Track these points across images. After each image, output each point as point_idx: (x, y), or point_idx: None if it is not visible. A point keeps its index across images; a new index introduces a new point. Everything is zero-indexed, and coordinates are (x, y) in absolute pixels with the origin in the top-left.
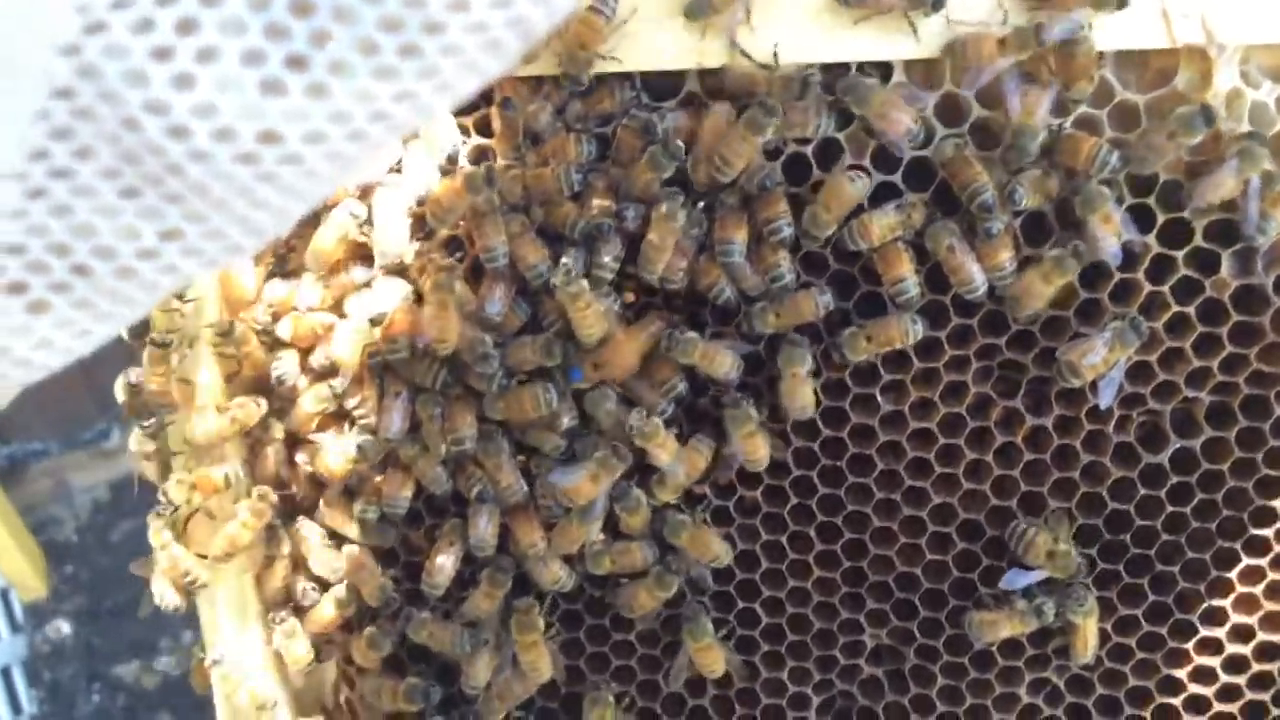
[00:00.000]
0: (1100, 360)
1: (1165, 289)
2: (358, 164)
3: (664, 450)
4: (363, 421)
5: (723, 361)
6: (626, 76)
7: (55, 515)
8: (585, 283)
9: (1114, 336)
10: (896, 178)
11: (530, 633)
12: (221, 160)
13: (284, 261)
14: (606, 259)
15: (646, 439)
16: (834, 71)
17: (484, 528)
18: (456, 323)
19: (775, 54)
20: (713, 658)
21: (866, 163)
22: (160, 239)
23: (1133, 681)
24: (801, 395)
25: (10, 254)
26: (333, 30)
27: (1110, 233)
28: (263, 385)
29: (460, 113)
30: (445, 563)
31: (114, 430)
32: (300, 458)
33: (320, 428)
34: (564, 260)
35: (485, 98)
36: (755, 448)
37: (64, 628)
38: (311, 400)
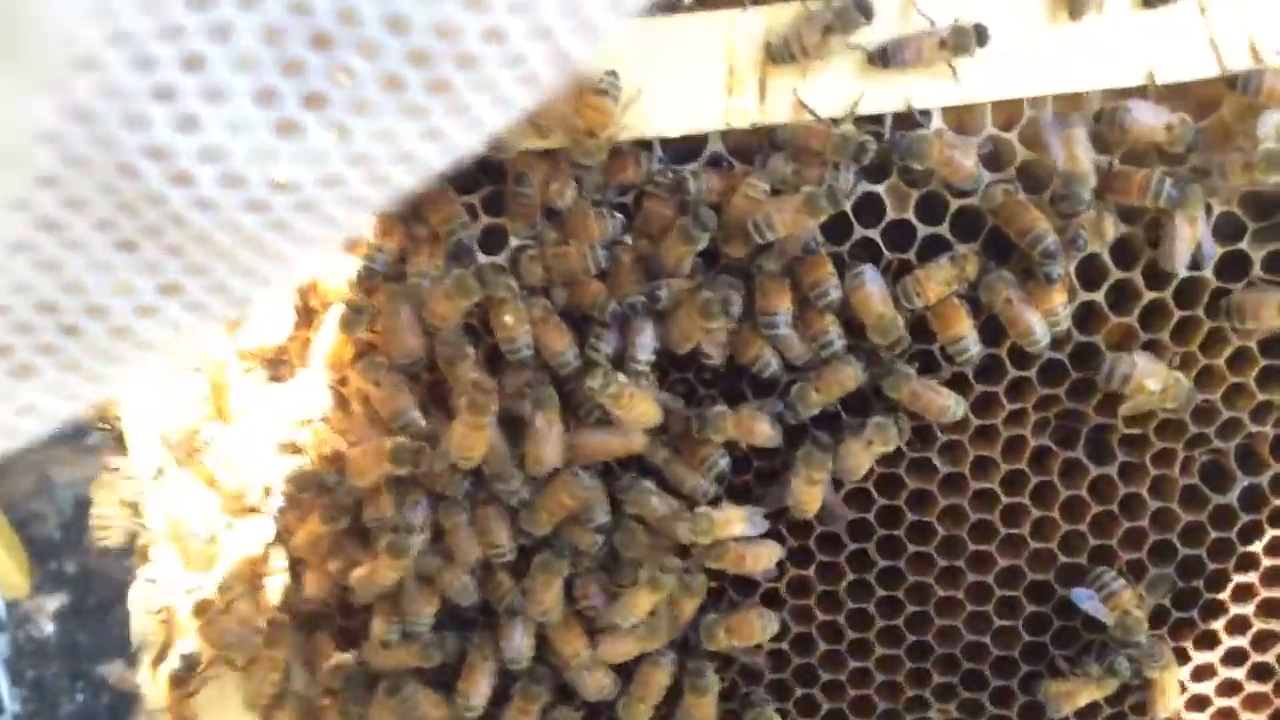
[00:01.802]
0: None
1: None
2: (372, 208)
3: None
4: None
5: (762, 429)
6: (646, 143)
7: (37, 511)
8: (622, 378)
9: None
10: (944, 229)
11: None
12: (229, 208)
13: (277, 365)
14: (642, 354)
15: (705, 533)
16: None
17: (519, 640)
18: (485, 442)
19: (855, 105)
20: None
21: (910, 216)
22: (159, 294)
23: None
24: (809, 500)
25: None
26: (355, 65)
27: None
28: None
29: (464, 191)
30: (482, 681)
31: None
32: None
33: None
34: (596, 363)
35: (490, 175)
36: (810, 498)
37: (47, 626)
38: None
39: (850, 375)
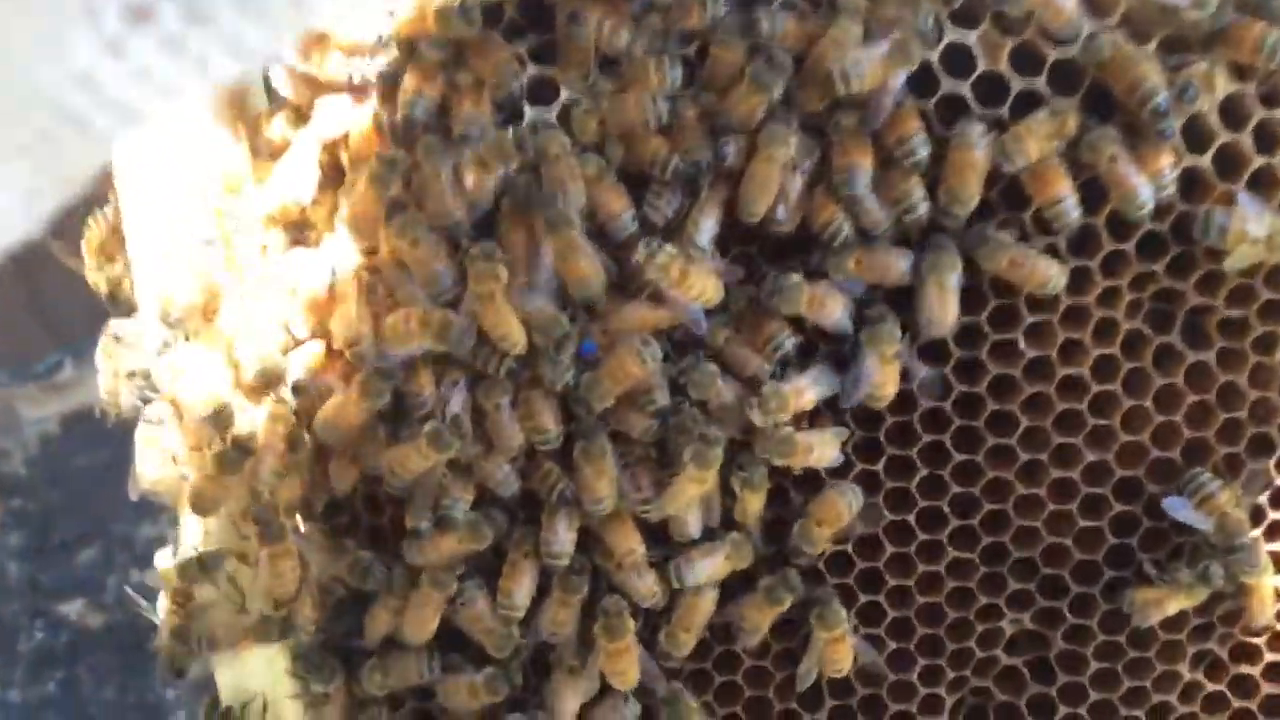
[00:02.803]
0: None
1: None
2: None
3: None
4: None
5: (834, 306)
6: None
7: (3, 448)
8: (672, 249)
9: None
10: (1041, 82)
11: (621, 638)
12: None
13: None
14: (702, 236)
15: (778, 411)
16: None
17: (563, 533)
18: (513, 316)
19: None
20: (844, 651)
21: (1004, 67)
22: None
23: None
24: (885, 382)
25: None
26: None
27: None
28: None
29: (510, 38)
30: (525, 579)
31: (66, 363)
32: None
33: None
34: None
35: (538, 22)
36: (887, 380)
37: (9, 564)
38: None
39: (901, 269)
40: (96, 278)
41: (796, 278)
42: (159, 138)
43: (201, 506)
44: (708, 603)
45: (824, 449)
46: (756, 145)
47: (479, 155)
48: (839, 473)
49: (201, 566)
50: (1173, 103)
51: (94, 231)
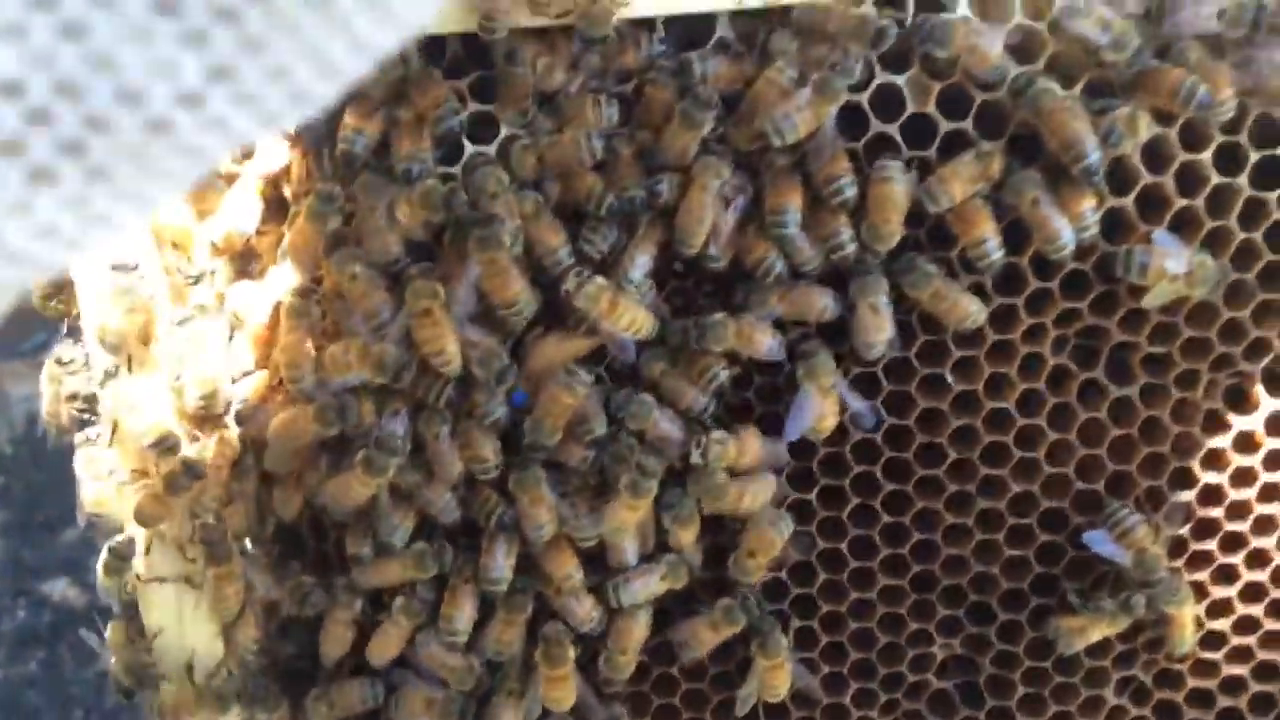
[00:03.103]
0: None
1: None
2: None
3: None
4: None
5: (762, 338)
6: (648, 24)
7: None
8: (601, 280)
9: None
10: (968, 124)
11: (561, 665)
12: None
13: (247, 260)
14: (636, 272)
15: (718, 460)
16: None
17: (501, 559)
18: (452, 334)
19: None
20: (783, 678)
21: (931, 109)
22: (206, 77)
23: (1227, 670)
24: (826, 415)
25: (4, 94)
26: None
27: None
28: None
29: (451, 76)
30: (466, 605)
31: (54, 341)
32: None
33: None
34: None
35: (477, 59)
36: (827, 412)
37: None
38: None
39: (822, 305)
40: (45, 307)
41: (719, 316)
42: None
43: (144, 521)
44: (642, 626)
45: (755, 497)
46: (691, 177)
47: (411, 199)
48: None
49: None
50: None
51: None
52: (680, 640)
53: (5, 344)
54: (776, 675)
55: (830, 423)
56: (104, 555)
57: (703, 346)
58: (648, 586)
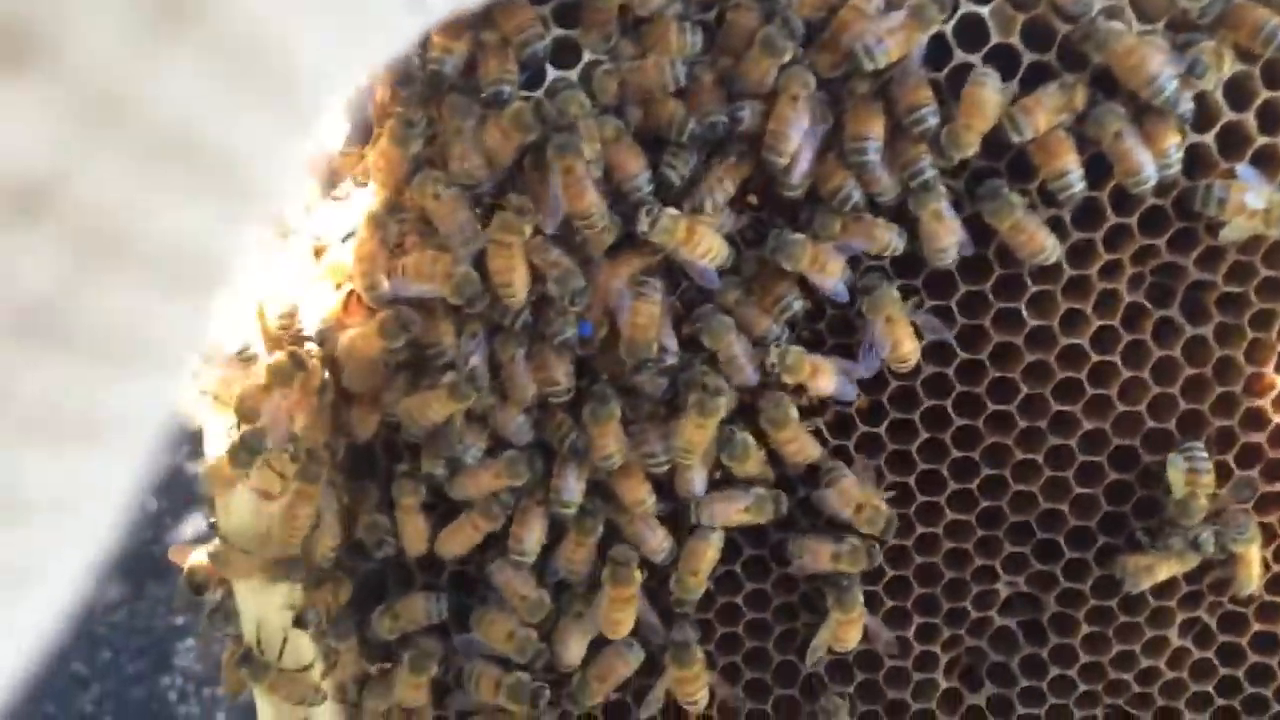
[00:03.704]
0: None
1: None
2: None
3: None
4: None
5: (834, 267)
6: None
7: None
8: (673, 211)
9: None
10: (1051, 56)
11: (627, 585)
12: None
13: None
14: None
15: (792, 373)
16: None
17: (572, 483)
18: (523, 267)
19: None
20: (855, 632)
21: (1016, 40)
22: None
23: None
24: (901, 341)
25: None
26: None
27: None
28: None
29: (534, 1)
30: (535, 526)
31: None
32: None
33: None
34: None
35: None
36: (901, 338)
37: None
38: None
39: (888, 239)
40: None
41: (799, 235)
42: None
43: (245, 413)
44: (714, 548)
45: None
46: (778, 89)
47: (501, 123)
48: (840, 433)
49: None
50: (1181, 80)
51: None
52: (797, 552)
53: None
54: (850, 629)
55: (908, 349)
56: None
57: (776, 260)
58: (727, 512)
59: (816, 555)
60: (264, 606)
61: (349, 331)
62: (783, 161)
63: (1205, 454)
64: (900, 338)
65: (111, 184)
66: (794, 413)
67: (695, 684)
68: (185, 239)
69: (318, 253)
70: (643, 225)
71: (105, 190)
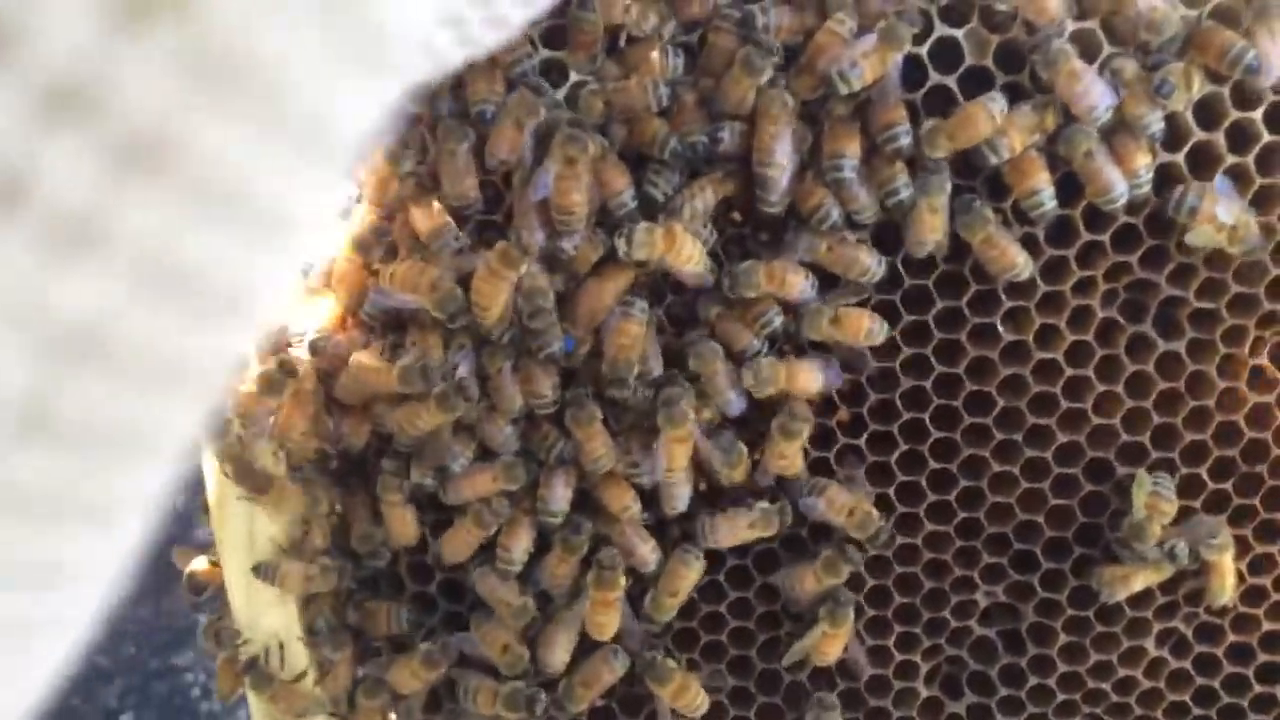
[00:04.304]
0: None
1: None
2: None
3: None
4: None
5: (794, 280)
6: None
7: None
8: (644, 224)
9: None
10: (1024, 77)
11: (612, 589)
12: None
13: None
14: (701, 197)
15: (770, 384)
16: None
17: (559, 491)
18: (504, 299)
19: None
20: (837, 648)
21: (989, 63)
22: None
23: (1267, 626)
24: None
25: None
26: None
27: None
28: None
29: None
30: (523, 535)
31: None
32: None
33: None
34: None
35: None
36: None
37: None
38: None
39: (866, 264)
40: None
41: (749, 262)
42: None
43: (242, 419)
44: (696, 571)
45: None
46: (759, 111)
47: (513, 115)
48: (822, 446)
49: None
50: (1151, 96)
51: None
52: (785, 586)
53: None
54: (834, 644)
55: (937, 231)
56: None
57: (737, 294)
58: (734, 532)
59: (803, 581)
60: (254, 608)
61: (364, 359)
62: (774, 174)
63: (1171, 487)
64: (935, 227)
65: (156, 215)
66: (806, 430)
67: (688, 694)
68: (208, 264)
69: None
70: (621, 247)
71: (150, 220)
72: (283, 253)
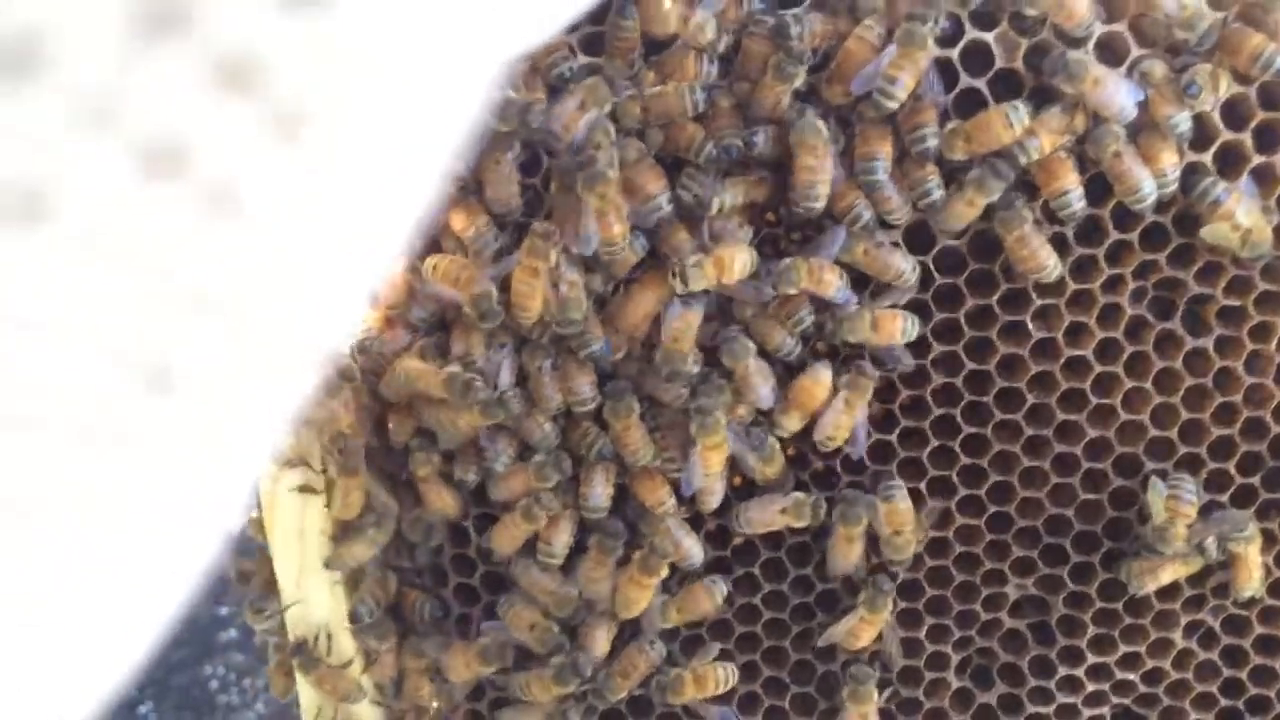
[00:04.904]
0: None
1: None
2: None
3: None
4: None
5: (830, 279)
6: None
7: None
8: (692, 256)
9: None
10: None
11: (652, 576)
12: None
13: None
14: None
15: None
16: None
17: (600, 488)
18: (542, 294)
19: None
20: (869, 635)
21: (1019, 65)
22: None
23: None
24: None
25: None
26: None
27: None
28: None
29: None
30: (564, 530)
31: None
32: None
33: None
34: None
35: (587, 14)
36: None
37: None
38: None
39: (900, 269)
40: None
41: (789, 260)
42: None
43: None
44: (712, 602)
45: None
46: (795, 140)
47: (580, 98)
48: None
49: None
50: (1179, 96)
51: None
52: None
53: None
54: (868, 630)
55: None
56: None
57: (779, 291)
58: (766, 516)
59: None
60: (305, 607)
61: (412, 363)
62: (817, 207)
63: (1192, 486)
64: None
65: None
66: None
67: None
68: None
69: None
70: (678, 288)
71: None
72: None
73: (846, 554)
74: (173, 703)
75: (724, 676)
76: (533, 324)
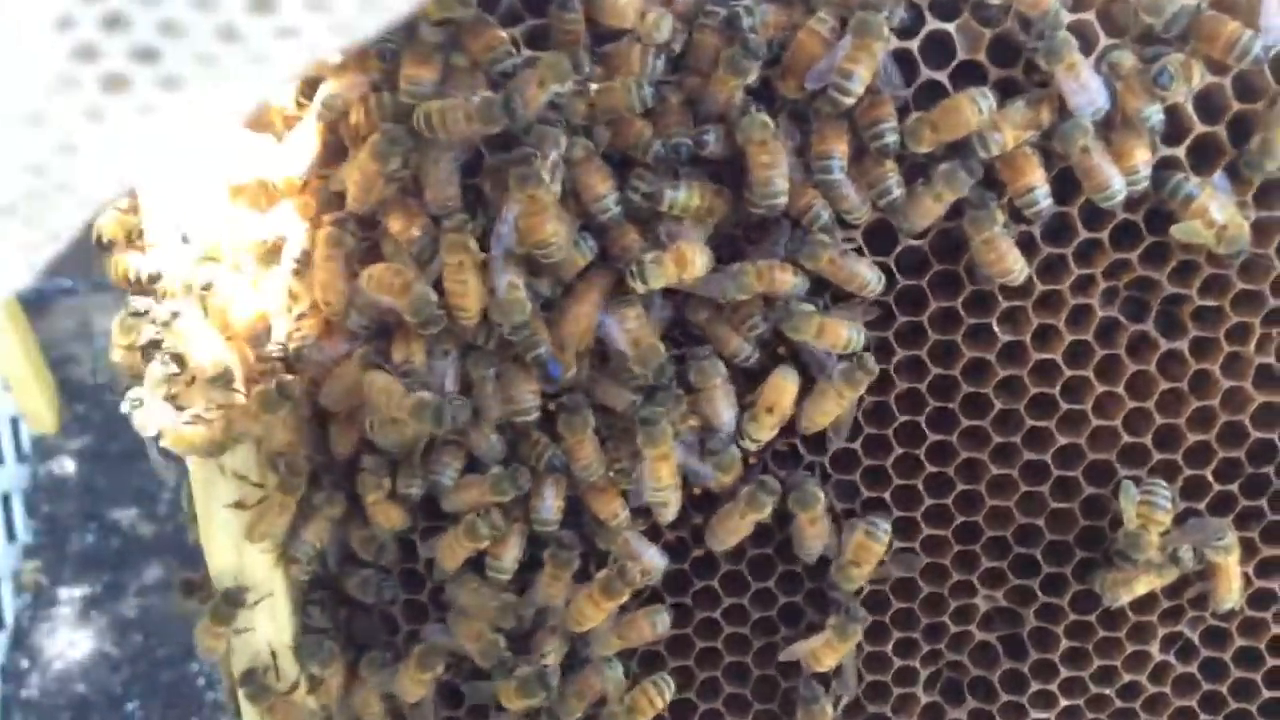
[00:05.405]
0: None
1: None
2: None
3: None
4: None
5: (783, 278)
6: None
7: (74, 354)
8: (651, 252)
9: None
10: (1017, 71)
11: (613, 599)
12: None
13: None
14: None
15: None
16: None
17: (551, 501)
18: (477, 290)
19: None
20: (834, 659)
21: (982, 57)
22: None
23: (1275, 630)
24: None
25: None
26: None
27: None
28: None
29: (505, 24)
30: (513, 544)
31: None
32: None
33: None
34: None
35: (531, 8)
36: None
37: (69, 465)
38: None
39: (866, 278)
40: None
41: (738, 265)
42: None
43: (235, 436)
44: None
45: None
46: (746, 139)
47: (539, 75)
48: (814, 449)
49: None
50: (1149, 87)
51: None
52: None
53: (96, 276)
54: (832, 655)
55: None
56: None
57: (730, 298)
58: (729, 525)
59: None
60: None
61: (379, 380)
62: (778, 204)
63: (1166, 492)
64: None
65: None
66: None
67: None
68: None
69: (296, 273)
70: (638, 287)
71: None
72: None
73: (813, 536)
74: (160, 700)
75: (655, 695)
76: (474, 326)
